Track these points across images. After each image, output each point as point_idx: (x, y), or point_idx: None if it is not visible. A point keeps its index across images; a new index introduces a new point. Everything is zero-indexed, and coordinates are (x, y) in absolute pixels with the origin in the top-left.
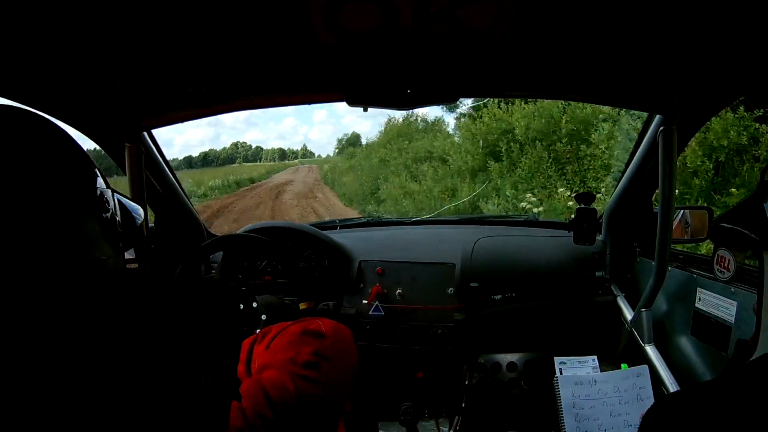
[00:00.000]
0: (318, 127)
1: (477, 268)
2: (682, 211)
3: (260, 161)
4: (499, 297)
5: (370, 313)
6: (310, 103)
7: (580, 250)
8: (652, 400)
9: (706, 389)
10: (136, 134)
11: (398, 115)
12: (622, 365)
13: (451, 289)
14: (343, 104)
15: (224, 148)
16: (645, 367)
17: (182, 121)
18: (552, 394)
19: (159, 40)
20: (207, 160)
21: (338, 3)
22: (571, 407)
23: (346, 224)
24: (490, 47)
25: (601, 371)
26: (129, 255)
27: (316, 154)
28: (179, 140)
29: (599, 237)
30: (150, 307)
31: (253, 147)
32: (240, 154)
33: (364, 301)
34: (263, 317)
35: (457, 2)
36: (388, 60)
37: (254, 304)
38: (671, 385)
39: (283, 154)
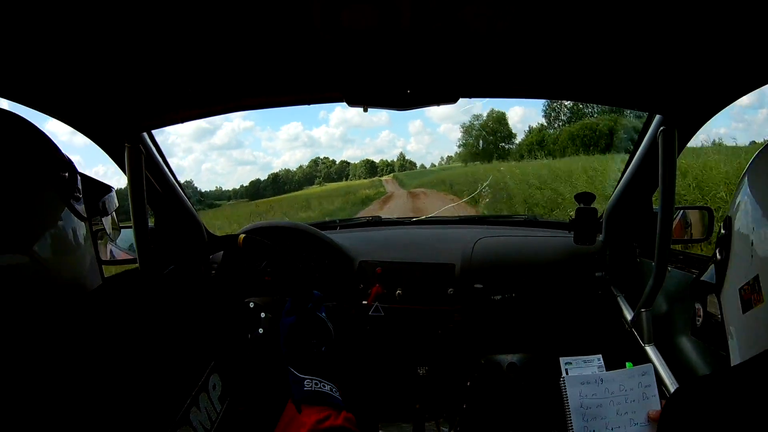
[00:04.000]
0: (415, 138)
1: (477, 268)
2: (682, 211)
3: (346, 179)
4: (499, 297)
5: (370, 313)
6: (309, 103)
7: (580, 250)
8: (657, 399)
9: (733, 374)
10: (136, 134)
11: None
12: (627, 364)
13: (450, 289)
14: (439, 112)
15: (301, 166)
16: (650, 365)
17: (182, 121)
18: (555, 395)
19: (158, 40)
20: (277, 183)
21: (338, 2)
22: (579, 407)
23: (346, 224)
24: (491, 47)
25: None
26: (130, 255)
27: (418, 164)
28: (277, 163)
29: (599, 237)
30: (154, 309)
31: (337, 162)
32: (321, 172)
33: (364, 302)
34: (262, 317)
35: (456, 1)
36: (387, 60)
37: (252, 305)
38: (672, 385)
39: (372, 168)
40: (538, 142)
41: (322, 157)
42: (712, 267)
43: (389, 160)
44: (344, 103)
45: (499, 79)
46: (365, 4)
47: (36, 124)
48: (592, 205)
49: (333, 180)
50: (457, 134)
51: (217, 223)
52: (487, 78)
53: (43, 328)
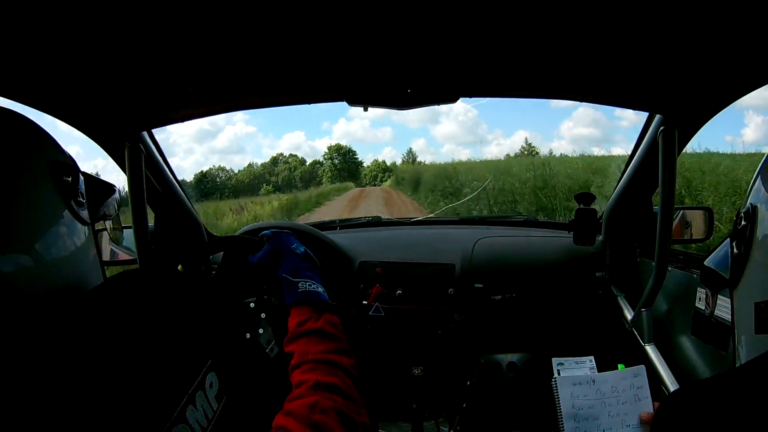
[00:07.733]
0: (419, 156)
1: (477, 268)
2: (682, 211)
3: (317, 186)
4: (499, 297)
5: (370, 313)
6: (310, 102)
7: (580, 250)
8: (649, 401)
9: (724, 380)
10: (136, 134)
11: None
12: (619, 366)
13: (451, 289)
14: (443, 132)
15: (250, 164)
16: (642, 367)
17: (182, 120)
18: (551, 395)
19: (158, 40)
20: (202, 188)
21: (338, 1)
22: (571, 408)
23: (346, 224)
24: (491, 46)
25: (598, 372)
26: (129, 255)
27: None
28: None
29: (599, 237)
30: (152, 308)
31: (307, 162)
32: (277, 175)
33: (364, 302)
34: (263, 318)
35: (457, 0)
36: (387, 59)
37: (253, 305)
38: (671, 385)
39: (344, 166)
40: None
41: (287, 154)
42: (720, 252)
43: (383, 162)
44: (346, 113)
45: (500, 79)
46: (365, 3)
47: (39, 124)
48: (591, 206)
49: (295, 188)
50: (461, 156)
51: None
52: (487, 77)
53: (40, 328)
